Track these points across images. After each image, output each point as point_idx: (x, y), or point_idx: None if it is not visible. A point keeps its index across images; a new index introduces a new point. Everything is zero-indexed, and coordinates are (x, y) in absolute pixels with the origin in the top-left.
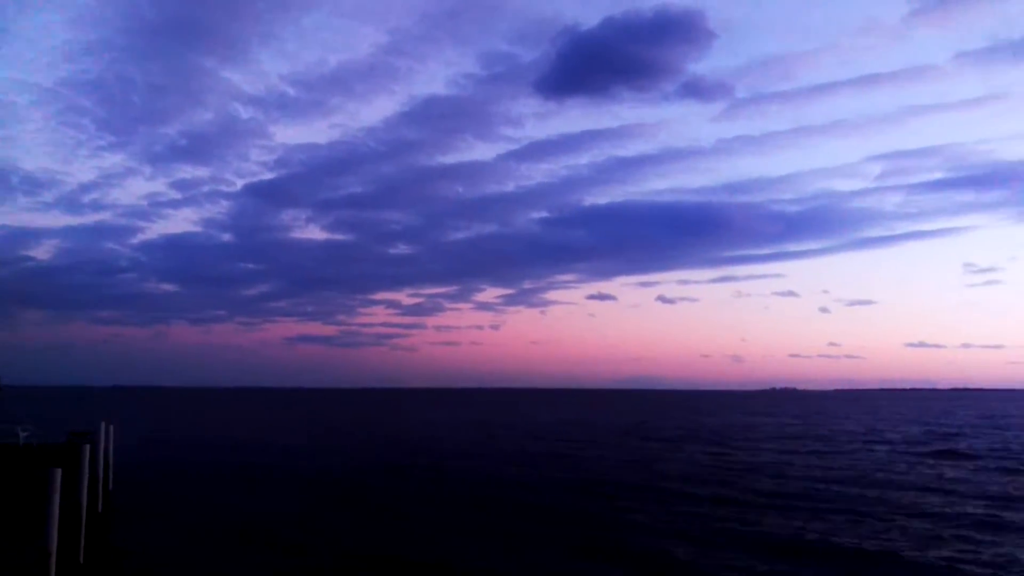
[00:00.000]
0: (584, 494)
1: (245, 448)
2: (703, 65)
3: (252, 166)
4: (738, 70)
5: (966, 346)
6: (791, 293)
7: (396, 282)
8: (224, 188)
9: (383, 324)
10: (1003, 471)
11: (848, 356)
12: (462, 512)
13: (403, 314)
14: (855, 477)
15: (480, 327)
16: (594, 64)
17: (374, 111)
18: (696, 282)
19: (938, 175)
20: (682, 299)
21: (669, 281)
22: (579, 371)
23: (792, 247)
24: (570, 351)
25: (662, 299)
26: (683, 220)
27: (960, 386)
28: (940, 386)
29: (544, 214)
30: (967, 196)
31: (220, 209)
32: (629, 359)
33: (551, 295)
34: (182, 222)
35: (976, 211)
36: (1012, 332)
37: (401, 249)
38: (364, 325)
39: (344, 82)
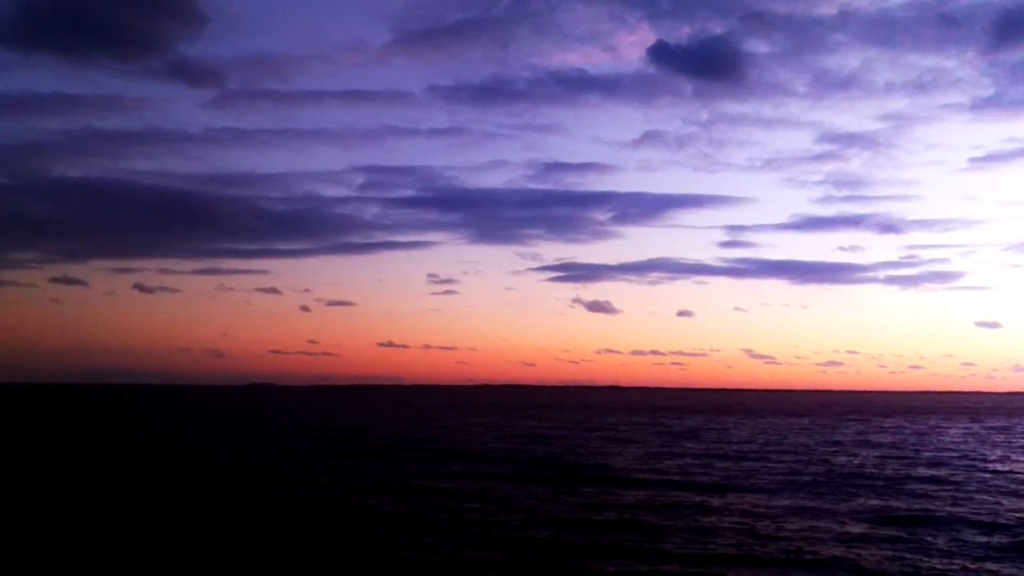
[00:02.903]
0: None
1: None
2: (194, 48)
3: None
4: (231, 61)
5: (426, 347)
6: (274, 290)
7: None
8: None
9: None
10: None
11: (326, 353)
12: None
13: None
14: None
15: None
16: (68, 20)
17: None
18: (178, 272)
19: (411, 193)
20: (162, 289)
21: (149, 269)
22: (39, 364)
23: (278, 245)
24: (28, 341)
25: (140, 287)
26: (167, 206)
27: (420, 382)
28: (405, 382)
29: None
30: (433, 215)
31: None
32: (99, 351)
33: (4, 275)
34: None
35: (439, 229)
36: (462, 336)
37: None
38: None
39: None
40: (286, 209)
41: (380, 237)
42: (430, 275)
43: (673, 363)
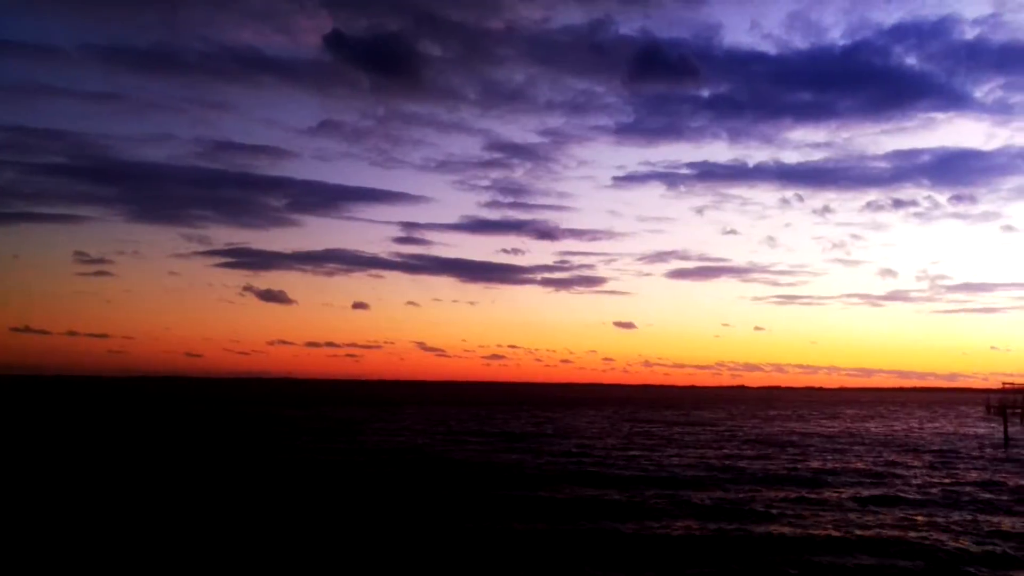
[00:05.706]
0: None
1: None
2: None
3: None
4: None
5: (72, 334)
6: None
7: None
8: None
9: None
10: None
11: None
12: None
13: None
14: None
15: None
16: None
17: None
18: None
19: (58, 160)
20: None
21: None
22: None
23: None
24: None
25: None
26: None
27: (64, 373)
28: (45, 372)
29: None
30: (84, 186)
31: None
32: None
33: None
34: None
35: (91, 203)
36: (117, 323)
37: None
38: None
39: None
40: None
41: (18, 207)
42: (78, 253)
43: (348, 355)
